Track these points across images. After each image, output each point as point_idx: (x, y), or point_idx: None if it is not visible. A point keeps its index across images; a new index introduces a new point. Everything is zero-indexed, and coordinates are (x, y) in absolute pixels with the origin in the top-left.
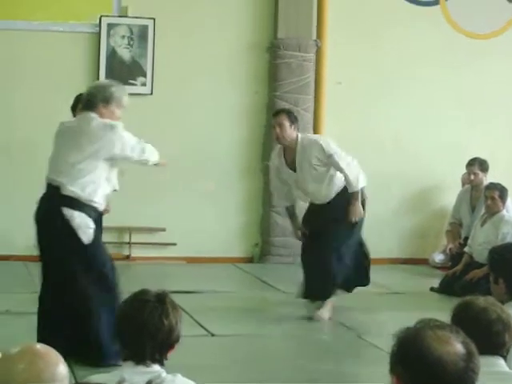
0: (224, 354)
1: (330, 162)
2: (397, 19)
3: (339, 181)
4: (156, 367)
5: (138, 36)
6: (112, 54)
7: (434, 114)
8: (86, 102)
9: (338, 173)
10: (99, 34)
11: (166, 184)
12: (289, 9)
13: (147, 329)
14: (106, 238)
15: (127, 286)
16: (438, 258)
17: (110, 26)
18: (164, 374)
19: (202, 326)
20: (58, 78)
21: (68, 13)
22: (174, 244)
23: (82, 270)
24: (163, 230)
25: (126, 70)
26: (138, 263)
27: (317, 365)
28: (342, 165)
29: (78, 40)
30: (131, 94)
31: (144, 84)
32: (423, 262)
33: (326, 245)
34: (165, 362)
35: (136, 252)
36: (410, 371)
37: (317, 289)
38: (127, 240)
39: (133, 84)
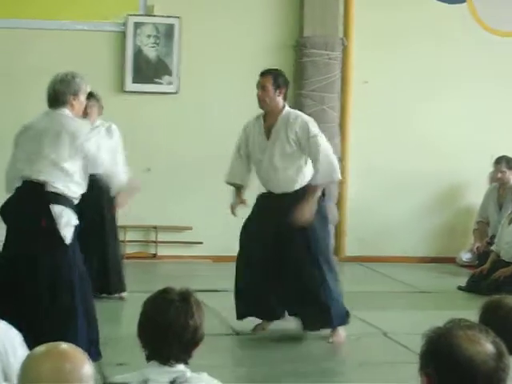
0: (249, 353)
1: (309, 145)
2: (424, 17)
3: (308, 174)
4: (180, 367)
5: (164, 35)
6: (138, 53)
7: (461, 112)
8: (54, 99)
9: (309, 165)
10: (125, 32)
11: (192, 183)
12: (315, 7)
13: (172, 329)
14: (132, 236)
15: (153, 284)
16: (466, 256)
17: (137, 25)
18: (189, 374)
19: (227, 325)
20: (84, 77)
21: (95, 12)
22: (201, 243)
23: (65, 268)
24: (189, 228)
25: (152, 69)
26: (165, 262)
27: (344, 365)
28: (321, 150)
29: (104, 39)
30: (157, 93)
31: (170, 83)
32: (450, 260)
33: (308, 257)
34: (189, 360)
35: (162, 251)
36: (440, 371)
37: (314, 319)
38: (154, 239)
39: (159, 83)
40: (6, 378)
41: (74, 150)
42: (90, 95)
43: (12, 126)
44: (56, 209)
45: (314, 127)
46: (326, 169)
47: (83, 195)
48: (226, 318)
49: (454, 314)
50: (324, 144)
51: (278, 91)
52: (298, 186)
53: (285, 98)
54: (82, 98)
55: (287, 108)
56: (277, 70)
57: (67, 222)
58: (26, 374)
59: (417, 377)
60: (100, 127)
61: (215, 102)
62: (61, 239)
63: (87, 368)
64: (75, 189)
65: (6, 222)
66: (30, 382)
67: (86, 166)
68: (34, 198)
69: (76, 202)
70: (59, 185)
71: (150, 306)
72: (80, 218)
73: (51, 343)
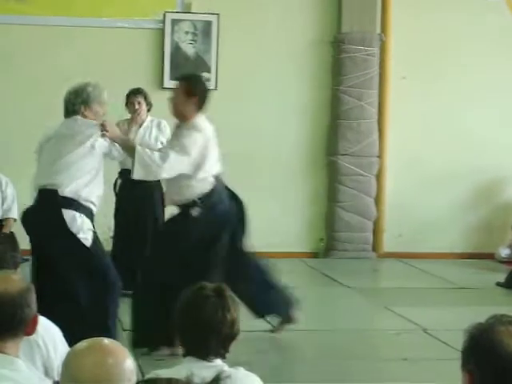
0: (289, 349)
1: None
2: (462, 12)
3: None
4: (218, 361)
5: (201, 32)
6: (176, 50)
7: (500, 107)
8: (66, 109)
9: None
10: (163, 29)
11: (231, 179)
12: (353, 3)
13: (210, 325)
14: None
15: None
16: (504, 252)
17: (174, 22)
18: (226, 368)
19: (267, 321)
20: (122, 74)
21: (133, 9)
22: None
23: (82, 273)
24: None
25: (190, 66)
26: None
27: (384, 362)
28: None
29: (142, 36)
30: None
31: (208, 79)
32: (489, 256)
33: None
34: (227, 355)
35: None
36: (482, 367)
37: None
38: None
39: None
40: (47, 373)
41: (83, 148)
42: (138, 92)
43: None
44: (68, 214)
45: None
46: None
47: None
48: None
49: (493, 310)
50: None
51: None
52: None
53: None
54: (96, 107)
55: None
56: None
57: (80, 227)
58: (68, 369)
59: (457, 374)
60: (150, 124)
61: (253, 99)
62: (78, 242)
63: (129, 363)
64: (87, 194)
65: (26, 230)
66: (72, 376)
67: (99, 162)
68: (46, 205)
69: (92, 207)
70: (71, 190)
71: (187, 302)
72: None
73: (93, 338)
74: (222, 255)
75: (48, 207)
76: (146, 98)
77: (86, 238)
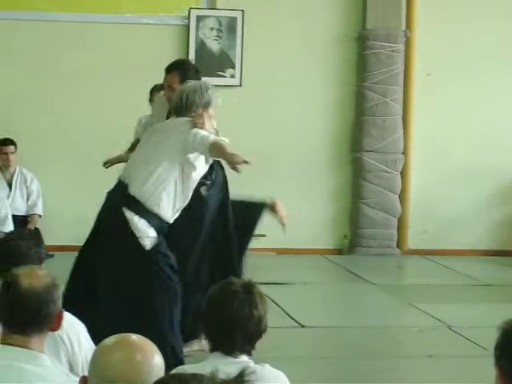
0: (314, 346)
1: None
2: (488, 8)
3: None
4: (244, 358)
5: (226, 28)
6: (201, 46)
7: None
8: (183, 108)
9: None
10: (188, 26)
11: (255, 175)
12: None
13: (237, 320)
14: None
15: None
16: None
17: (199, 18)
18: (252, 365)
19: (291, 318)
20: (147, 70)
21: (158, 5)
22: (264, 235)
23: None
24: None
25: (215, 62)
26: None
27: (408, 359)
28: None
29: (167, 32)
30: (220, 86)
31: (233, 76)
32: None
33: None
34: (253, 352)
35: None
36: None
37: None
38: None
39: (222, 76)
40: (72, 369)
41: (168, 151)
42: (162, 88)
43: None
44: (128, 213)
45: None
46: None
47: None
48: (289, 311)
49: None
50: None
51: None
52: None
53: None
54: (211, 110)
55: None
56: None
57: (139, 229)
58: (96, 365)
59: (482, 370)
60: None
61: (278, 95)
62: (138, 245)
63: (158, 359)
64: (156, 201)
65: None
66: (100, 372)
67: (187, 175)
68: (114, 199)
69: (162, 214)
70: (139, 190)
71: (214, 297)
72: None
73: (122, 334)
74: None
75: (114, 201)
76: None
77: (142, 241)
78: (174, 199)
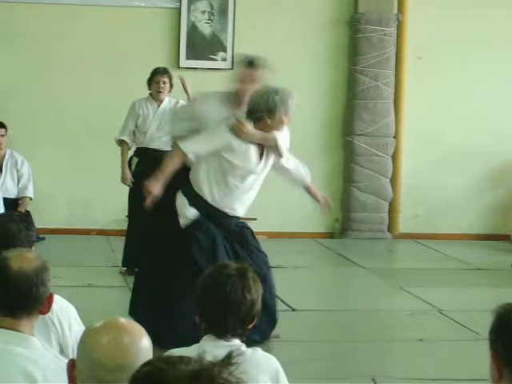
0: (305, 329)
1: None
2: None
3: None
4: (236, 341)
5: (218, 11)
6: (192, 29)
7: None
8: (250, 112)
9: None
10: (180, 9)
11: None
12: None
13: (230, 303)
14: None
15: None
16: None
17: (191, 1)
18: (244, 348)
19: (282, 301)
20: (138, 53)
21: None
22: (255, 219)
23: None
24: None
25: (206, 45)
26: None
27: (399, 342)
28: None
29: (158, 15)
30: (212, 69)
31: (224, 59)
32: (505, 238)
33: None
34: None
35: None
36: (508, 347)
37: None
38: None
39: (213, 59)
40: (62, 352)
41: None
42: (165, 71)
43: (74, 103)
44: (179, 192)
45: None
46: None
47: None
48: (280, 295)
49: (509, 291)
50: None
51: None
52: None
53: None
54: (282, 115)
55: None
56: None
57: (178, 207)
58: (84, 347)
59: (472, 354)
60: (168, 104)
61: (269, 78)
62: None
63: (145, 341)
64: (197, 183)
65: None
66: (88, 354)
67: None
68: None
69: (206, 197)
70: (191, 173)
71: (208, 280)
72: None
73: (109, 317)
74: None
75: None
76: (170, 79)
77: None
78: (213, 184)
